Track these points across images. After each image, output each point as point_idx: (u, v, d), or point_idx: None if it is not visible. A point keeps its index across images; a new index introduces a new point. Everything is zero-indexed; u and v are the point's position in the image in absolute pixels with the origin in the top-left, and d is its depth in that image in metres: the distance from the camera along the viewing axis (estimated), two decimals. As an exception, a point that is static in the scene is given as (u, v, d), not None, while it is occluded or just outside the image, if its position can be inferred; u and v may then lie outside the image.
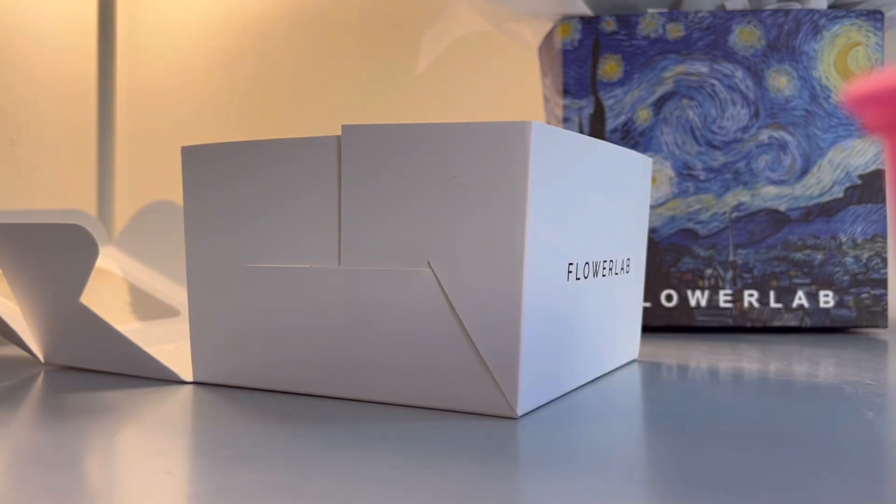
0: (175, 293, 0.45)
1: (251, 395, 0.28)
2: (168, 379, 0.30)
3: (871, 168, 0.46)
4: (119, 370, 0.31)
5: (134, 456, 0.21)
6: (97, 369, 0.32)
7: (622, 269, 0.32)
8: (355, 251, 0.26)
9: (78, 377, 0.31)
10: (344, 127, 0.26)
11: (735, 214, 0.46)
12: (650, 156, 0.47)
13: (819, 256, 0.46)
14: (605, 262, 0.30)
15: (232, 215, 0.29)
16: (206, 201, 0.29)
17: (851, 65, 0.46)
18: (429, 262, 0.25)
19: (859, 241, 0.46)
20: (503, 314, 0.24)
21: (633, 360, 0.35)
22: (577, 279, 0.28)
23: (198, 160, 0.29)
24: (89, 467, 0.19)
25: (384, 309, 0.26)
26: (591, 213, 0.28)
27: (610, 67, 0.47)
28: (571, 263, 0.27)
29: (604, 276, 0.30)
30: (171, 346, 0.37)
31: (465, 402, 0.25)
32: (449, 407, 0.25)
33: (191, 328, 0.30)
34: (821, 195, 0.46)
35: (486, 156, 0.24)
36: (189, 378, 0.30)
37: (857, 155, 0.46)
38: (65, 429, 0.23)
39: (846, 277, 0.46)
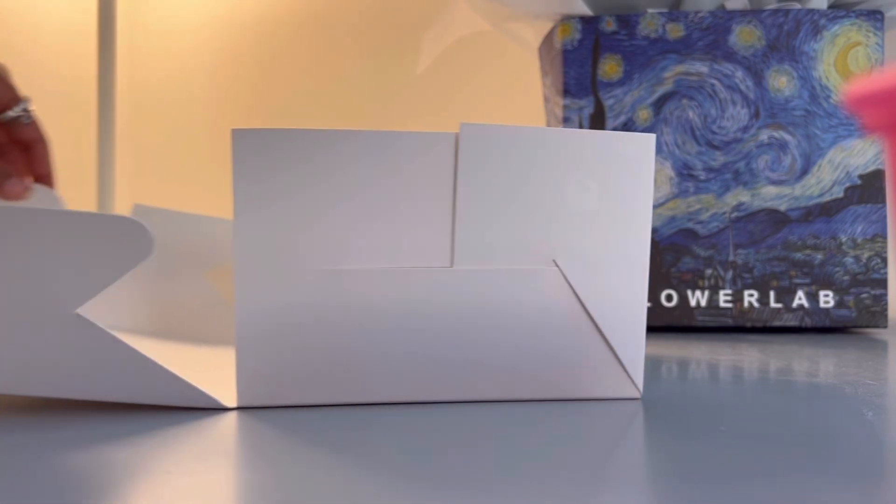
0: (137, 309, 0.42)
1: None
2: (207, 407, 0.25)
3: (871, 168, 0.46)
4: (146, 400, 0.25)
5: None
6: (118, 400, 0.25)
7: None
8: (471, 251, 0.25)
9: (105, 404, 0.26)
10: (462, 125, 0.25)
11: (735, 214, 0.46)
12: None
13: (819, 256, 0.46)
14: None
15: (312, 214, 0.25)
16: (274, 196, 0.25)
17: (851, 65, 0.46)
18: (555, 261, 0.26)
19: (859, 241, 0.46)
20: (630, 305, 0.26)
21: None
22: None
23: (266, 148, 0.24)
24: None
25: (505, 307, 0.26)
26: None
27: (610, 67, 0.47)
28: None
29: None
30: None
31: (591, 389, 0.26)
32: (573, 396, 0.26)
33: (238, 345, 0.25)
34: (821, 195, 0.46)
35: (612, 162, 0.26)
36: (232, 404, 0.25)
37: (857, 155, 0.46)
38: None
39: (846, 277, 0.46)
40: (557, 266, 0.26)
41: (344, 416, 0.24)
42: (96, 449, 0.20)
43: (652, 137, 0.26)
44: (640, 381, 0.27)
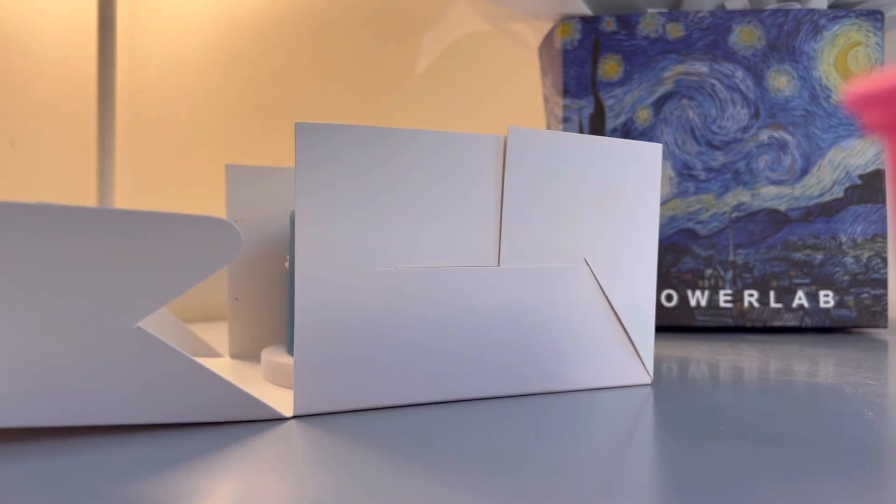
0: None
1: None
2: (265, 419, 0.24)
3: (871, 168, 0.46)
4: (208, 418, 0.23)
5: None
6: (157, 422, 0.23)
7: None
8: (515, 251, 0.27)
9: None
10: (510, 128, 0.26)
11: (735, 214, 0.46)
12: (650, 156, 0.47)
13: (819, 256, 0.46)
14: None
15: (370, 211, 0.24)
16: (333, 194, 0.24)
17: (851, 65, 0.46)
18: (585, 259, 0.28)
19: (859, 241, 0.46)
20: (642, 299, 0.29)
21: None
22: None
23: (327, 143, 0.24)
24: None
25: (544, 303, 0.27)
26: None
27: (610, 67, 0.47)
28: None
29: None
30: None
31: (613, 378, 0.29)
32: (599, 385, 0.29)
33: (297, 351, 0.24)
34: (821, 195, 0.46)
35: (629, 167, 0.29)
36: (289, 413, 0.24)
37: (857, 155, 0.46)
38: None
39: (846, 277, 0.46)
40: (587, 264, 0.28)
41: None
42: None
43: (659, 146, 0.29)
44: (651, 368, 0.30)
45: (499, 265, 0.26)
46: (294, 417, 0.24)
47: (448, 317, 0.26)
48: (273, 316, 0.38)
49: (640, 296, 0.29)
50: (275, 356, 0.30)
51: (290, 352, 0.31)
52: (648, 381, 0.30)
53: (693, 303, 0.46)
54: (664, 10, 0.47)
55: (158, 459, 0.20)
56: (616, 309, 0.29)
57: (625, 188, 0.29)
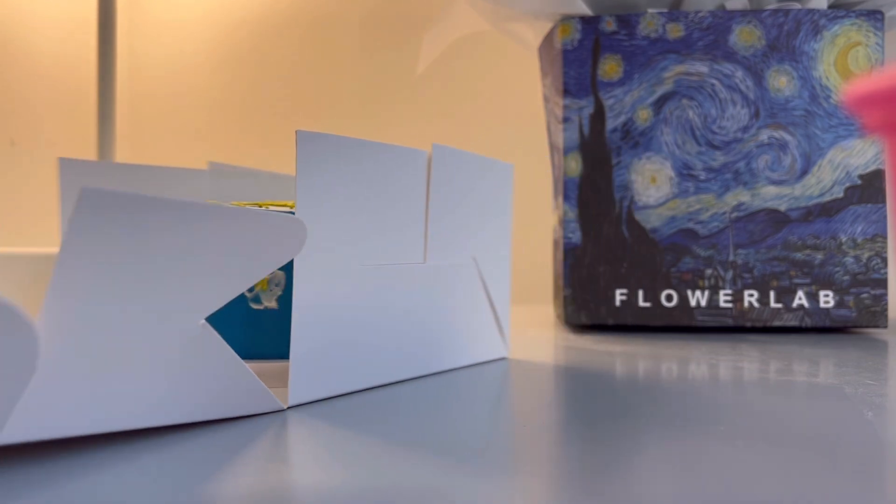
0: None
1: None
2: (266, 412, 0.25)
3: (871, 168, 0.46)
4: (229, 414, 0.23)
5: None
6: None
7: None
8: (435, 250, 0.31)
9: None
10: (434, 146, 0.31)
11: (735, 214, 0.46)
12: (650, 156, 0.47)
13: (819, 256, 0.46)
14: None
15: (352, 215, 0.27)
16: (331, 198, 0.26)
17: (851, 65, 0.46)
18: (473, 257, 0.34)
19: (859, 241, 0.46)
20: (503, 288, 0.36)
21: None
22: None
23: (327, 153, 0.26)
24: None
25: (451, 293, 0.32)
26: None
27: (610, 67, 0.47)
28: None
29: None
30: None
31: (487, 354, 0.35)
32: (479, 361, 0.35)
33: (293, 341, 0.25)
34: (821, 195, 0.46)
35: (497, 182, 0.35)
36: (285, 404, 0.26)
37: (857, 155, 0.46)
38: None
39: (846, 277, 0.46)
40: (475, 261, 0.34)
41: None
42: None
43: (511, 166, 0.36)
44: (508, 346, 0.37)
45: (424, 262, 0.31)
46: (288, 408, 0.26)
47: (395, 306, 0.30)
48: None
49: (502, 285, 0.36)
50: None
51: None
52: (507, 354, 0.37)
53: (693, 303, 0.46)
54: (664, 10, 0.47)
55: (161, 463, 0.20)
56: (490, 296, 0.35)
57: (494, 197, 0.35)
